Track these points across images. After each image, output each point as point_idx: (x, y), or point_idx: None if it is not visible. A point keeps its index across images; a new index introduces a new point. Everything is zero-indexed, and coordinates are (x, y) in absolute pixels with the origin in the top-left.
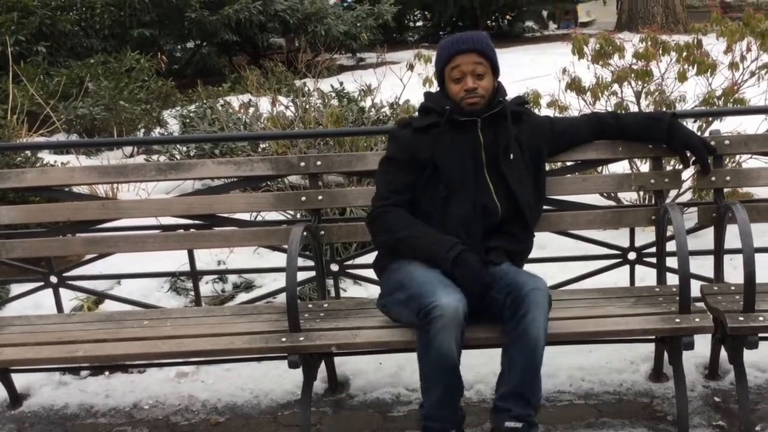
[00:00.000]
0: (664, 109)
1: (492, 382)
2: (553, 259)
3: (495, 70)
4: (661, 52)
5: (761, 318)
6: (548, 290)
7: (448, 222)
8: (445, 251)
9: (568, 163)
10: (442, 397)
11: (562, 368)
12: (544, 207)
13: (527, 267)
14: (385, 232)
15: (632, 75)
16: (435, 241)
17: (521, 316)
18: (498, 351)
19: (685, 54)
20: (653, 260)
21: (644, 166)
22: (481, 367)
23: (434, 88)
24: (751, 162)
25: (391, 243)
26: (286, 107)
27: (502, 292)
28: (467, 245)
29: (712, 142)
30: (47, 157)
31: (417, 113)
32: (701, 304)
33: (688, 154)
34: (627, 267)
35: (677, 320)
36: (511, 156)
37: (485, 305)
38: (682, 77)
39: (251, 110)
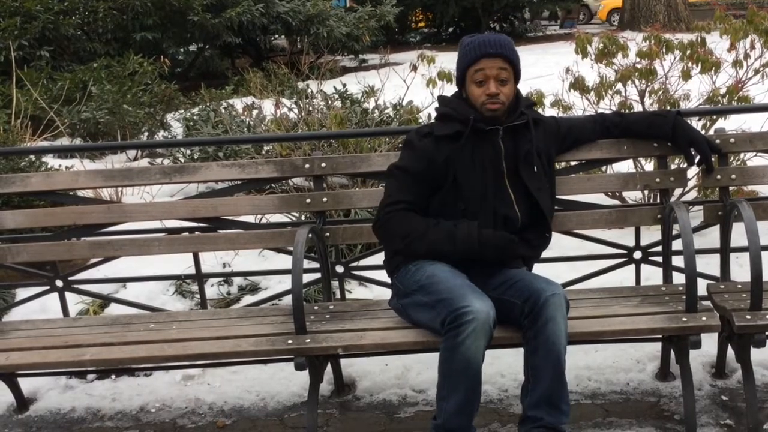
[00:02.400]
0: (668, 107)
1: (498, 383)
2: (558, 258)
3: (517, 77)
4: (664, 50)
5: None
6: (565, 294)
7: None
8: (466, 234)
9: (573, 163)
10: (461, 405)
11: (569, 368)
12: None
13: (535, 267)
14: (396, 237)
15: (636, 74)
16: (451, 230)
17: (543, 323)
18: (505, 351)
19: (688, 52)
20: (659, 259)
21: (648, 165)
22: (486, 368)
23: (438, 89)
24: (755, 160)
25: (405, 247)
26: (290, 109)
27: (519, 297)
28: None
29: (717, 141)
30: (51, 161)
31: (435, 120)
32: (708, 303)
33: (693, 153)
34: (633, 266)
35: (684, 319)
36: (535, 168)
37: (501, 308)
38: (685, 76)
39: (254, 113)
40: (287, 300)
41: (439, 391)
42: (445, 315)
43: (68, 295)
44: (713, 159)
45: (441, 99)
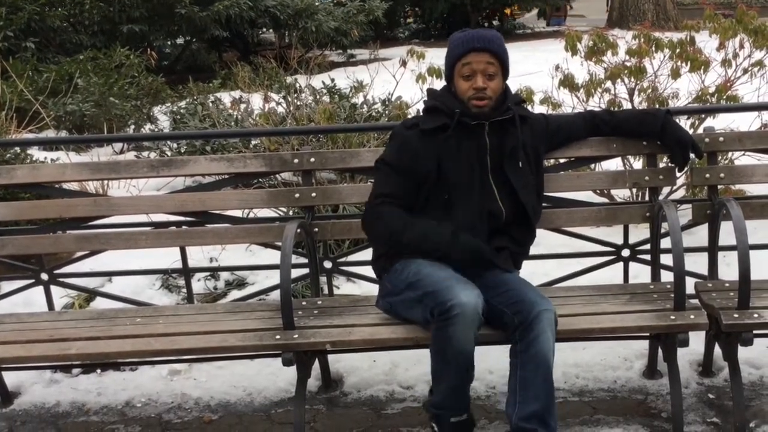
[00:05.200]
0: (657, 106)
1: (486, 379)
2: (547, 256)
3: (505, 72)
4: (654, 49)
5: (756, 315)
6: (555, 310)
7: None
8: (441, 235)
9: (562, 161)
10: (455, 390)
11: (556, 365)
12: None
13: (524, 265)
14: (379, 236)
15: (625, 72)
16: (429, 231)
17: (534, 337)
18: (493, 348)
19: (678, 51)
20: (647, 257)
21: (637, 163)
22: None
23: (428, 85)
24: (744, 159)
25: (387, 242)
26: (278, 104)
27: (510, 307)
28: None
29: (707, 139)
30: (37, 153)
31: (422, 112)
32: (695, 301)
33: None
34: (621, 264)
35: (672, 317)
36: (520, 163)
37: (489, 311)
38: (675, 74)
39: (242, 107)
40: (274, 295)
41: (433, 375)
42: (432, 307)
43: (53, 288)
44: (698, 161)
45: (430, 92)
